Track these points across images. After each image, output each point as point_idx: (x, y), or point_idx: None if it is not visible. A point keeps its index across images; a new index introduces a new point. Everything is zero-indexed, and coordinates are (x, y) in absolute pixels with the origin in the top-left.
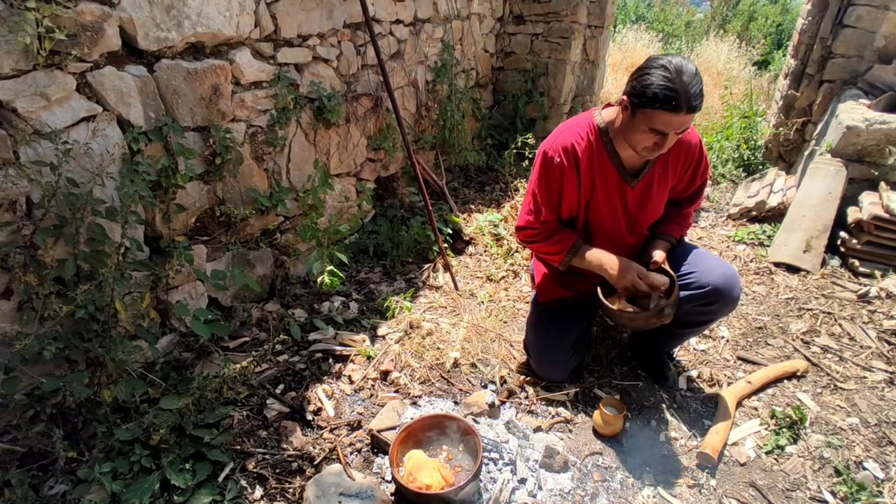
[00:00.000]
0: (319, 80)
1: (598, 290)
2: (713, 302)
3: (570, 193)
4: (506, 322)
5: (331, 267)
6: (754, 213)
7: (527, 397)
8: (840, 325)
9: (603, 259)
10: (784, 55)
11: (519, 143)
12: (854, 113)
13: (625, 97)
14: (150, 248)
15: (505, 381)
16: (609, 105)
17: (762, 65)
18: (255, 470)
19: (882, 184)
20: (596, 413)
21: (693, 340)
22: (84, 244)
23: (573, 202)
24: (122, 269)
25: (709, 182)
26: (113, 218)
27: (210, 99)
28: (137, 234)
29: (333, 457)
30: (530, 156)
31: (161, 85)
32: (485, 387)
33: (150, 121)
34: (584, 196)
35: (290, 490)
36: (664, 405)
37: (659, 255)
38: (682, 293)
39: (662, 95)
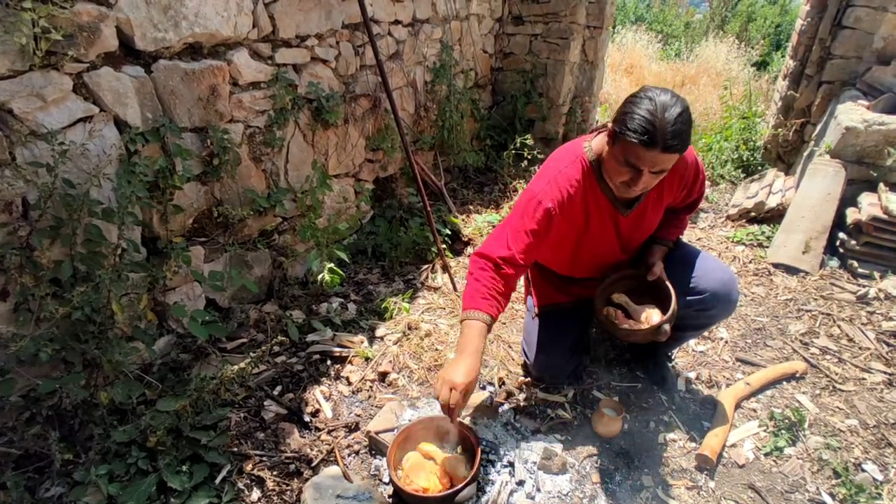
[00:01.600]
0: (318, 80)
1: (596, 304)
2: (711, 307)
3: (558, 236)
4: (504, 323)
5: (330, 265)
6: (753, 213)
7: (525, 398)
8: (839, 327)
9: (464, 350)
10: (783, 56)
11: (518, 144)
12: (853, 114)
13: (610, 124)
14: (147, 250)
15: (503, 383)
16: (596, 131)
17: (761, 66)
18: (252, 472)
19: (881, 185)
20: (595, 415)
21: (692, 342)
22: (81, 245)
23: (560, 242)
24: (119, 270)
25: (707, 184)
26: (109, 219)
27: (208, 100)
28: (134, 236)
29: (331, 459)
30: (529, 157)
31: (158, 85)
32: (483, 388)
33: (148, 121)
34: (578, 231)
35: (288, 492)
36: (663, 407)
37: (657, 268)
38: (680, 298)
39: (640, 128)
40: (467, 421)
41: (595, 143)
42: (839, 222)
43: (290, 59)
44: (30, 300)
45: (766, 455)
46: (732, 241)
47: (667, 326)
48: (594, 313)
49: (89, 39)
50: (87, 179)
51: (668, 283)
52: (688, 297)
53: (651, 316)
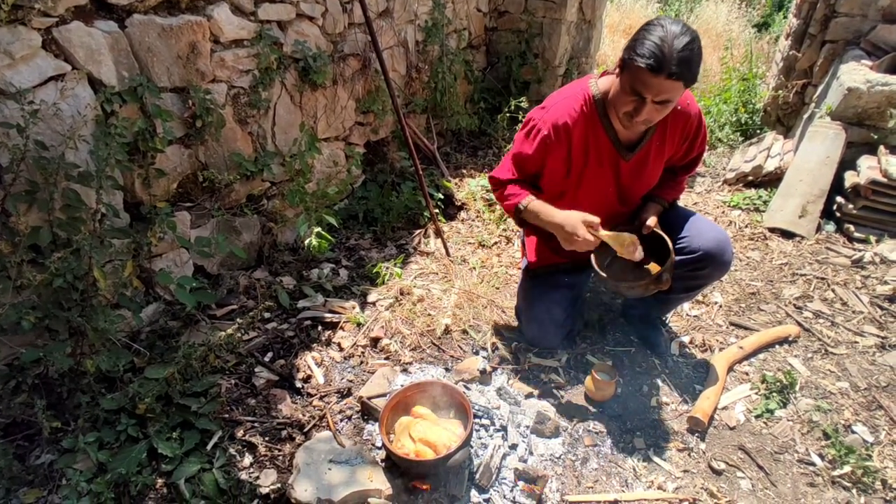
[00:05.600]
0: (304, 38)
1: (593, 259)
2: (704, 266)
3: (555, 166)
4: (498, 288)
5: (318, 229)
6: (751, 177)
7: (519, 363)
8: (833, 291)
9: (555, 216)
10: (784, 18)
11: (512, 107)
12: (856, 74)
13: (621, 55)
14: (130, 215)
15: (497, 348)
16: (606, 73)
17: (762, 27)
18: (244, 438)
19: (881, 148)
20: (588, 379)
21: (686, 306)
22: (59, 211)
23: (557, 176)
24: (101, 236)
25: (706, 147)
26: (87, 183)
27: (187, 58)
28: (115, 200)
29: (323, 424)
30: (524, 120)
31: (134, 42)
32: (476, 353)
33: (124, 80)
34: (576, 169)
35: (280, 457)
36: (656, 371)
37: (652, 220)
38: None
39: (648, 52)
40: (460, 386)
41: (602, 82)
42: (837, 186)
43: (273, 16)
44: (8, 267)
45: (756, 417)
46: (729, 206)
47: (667, 275)
48: (593, 271)
49: None
50: (61, 141)
51: (663, 234)
52: (681, 257)
53: (650, 269)
